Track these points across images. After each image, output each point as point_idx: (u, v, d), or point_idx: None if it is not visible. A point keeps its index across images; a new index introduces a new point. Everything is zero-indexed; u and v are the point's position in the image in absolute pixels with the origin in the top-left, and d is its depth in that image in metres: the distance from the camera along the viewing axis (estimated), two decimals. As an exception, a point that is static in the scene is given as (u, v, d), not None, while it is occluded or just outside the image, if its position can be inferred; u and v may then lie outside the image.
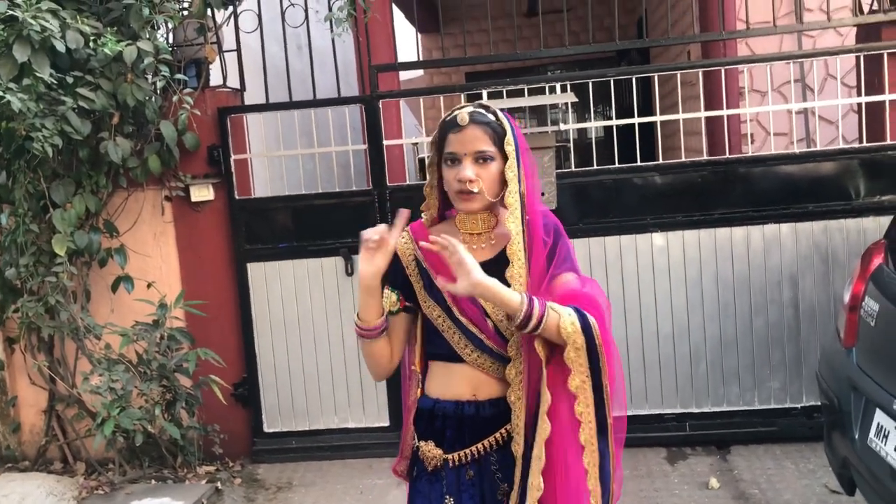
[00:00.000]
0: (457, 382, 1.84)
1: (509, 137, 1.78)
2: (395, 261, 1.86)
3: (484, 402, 1.82)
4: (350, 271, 4.19)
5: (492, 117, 1.80)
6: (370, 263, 1.77)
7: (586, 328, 1.68)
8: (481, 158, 1.76)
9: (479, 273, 1.67)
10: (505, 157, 1.78)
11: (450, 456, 1.83)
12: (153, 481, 4.02)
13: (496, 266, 1.78)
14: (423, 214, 1.95)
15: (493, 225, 1.85)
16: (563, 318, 1.67)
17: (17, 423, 4.36)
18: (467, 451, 1.82)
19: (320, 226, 4.20)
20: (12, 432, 4.35)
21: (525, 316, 1.66)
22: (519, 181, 1.79)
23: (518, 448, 1.75)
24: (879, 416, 2.52)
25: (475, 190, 1.75)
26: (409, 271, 1.88)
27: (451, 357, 1.83)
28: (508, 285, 1.74)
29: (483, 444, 1.81)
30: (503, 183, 1.79)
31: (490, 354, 1.80)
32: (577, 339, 1.68)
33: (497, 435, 1.81)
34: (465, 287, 1.68)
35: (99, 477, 4.10)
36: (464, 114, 1.78)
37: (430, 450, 1.85)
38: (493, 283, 1.68)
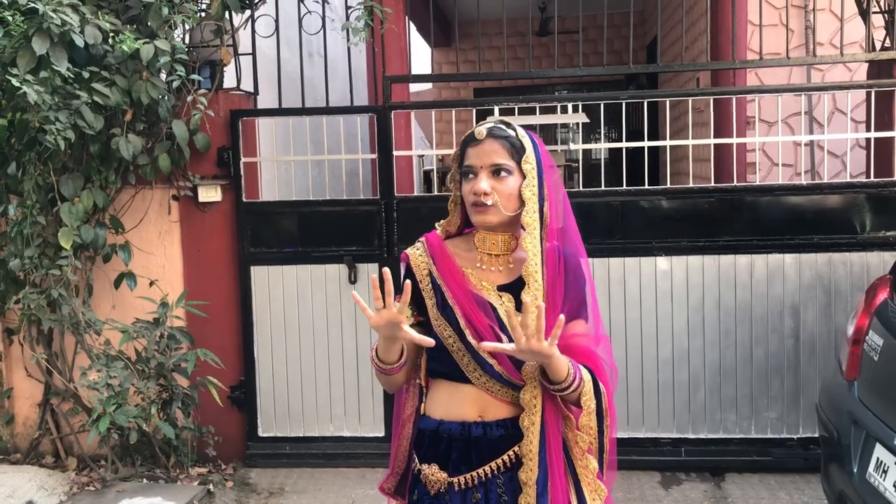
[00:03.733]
0: (462, 403, 1.78)
1: (528, 155, 1.75)
2: (409, 273, 1.83)
3: (491, 423, 1.76)
4: (353, 279, 4.19)
5: (511, 133, 1.76)
6: (388, 328, 1.67)
7: (597, 394, 1.75)
8: (497, 172, 1.73)
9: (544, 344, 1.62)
10: (524, 175, 1.75)
11: (455, 479, 1.76)
12: (145, 480, 4.00)
13: (513, 291, 1.76)
14: (437, 227, 1.91)
15: (512, 248, 1.81)
16: (586, 386, 1.72)
17: (10, 414, 4.35)
18: (474, 473, 1.75)
19: (326, 232, 4.20)
20: (5, 424, 4.33)
21: (566, 385, 1.68)
22: (541, 200, 1.76)
23: (531, 474, 1.71)
24: (879, 451, 2.53)
25: (489, 203, 1.72)
26: (423, 286, 1.81)
27: (456, 377, 1.78)
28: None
29: (490, 467, 1.75)
30: (521, 200, 1.75)
31: (499, 379, 1.75)
32: (591, 405, 1.74)
33: (505, 457, 1.75)
34: (528, 356, 1.65)
35: (91, 473, 4.08)
36: (482, 128, 1.76)
37: (434, 473, 1.78)
38: (554, 352, 1.64)
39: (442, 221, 1.91)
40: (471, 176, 1.75)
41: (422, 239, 1.87)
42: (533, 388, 1.72)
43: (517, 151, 1.74)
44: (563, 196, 1.85)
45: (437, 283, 1.79)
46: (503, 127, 1.78)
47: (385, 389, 1.94)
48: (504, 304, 1.75)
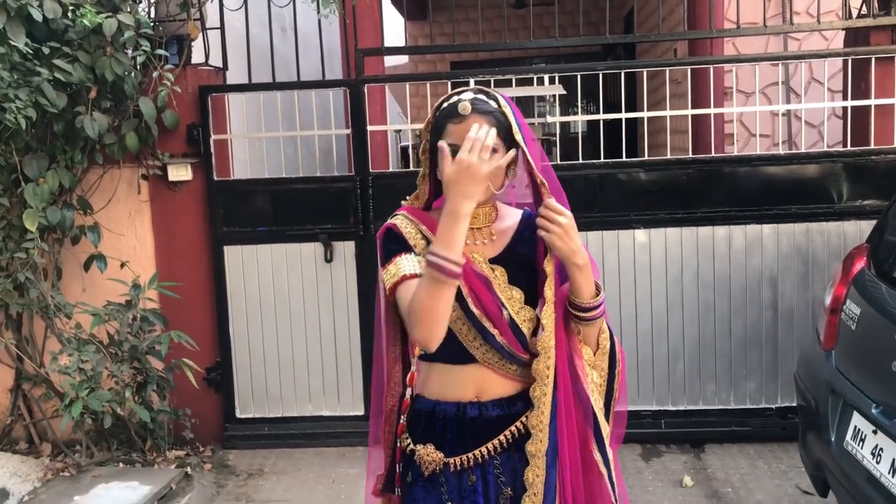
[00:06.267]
0: (458, 383, 1.74)
1: (514, 127, 1.68)
2: (395, 241, 1.72)
3: (487, 404, 1.73)
4: (329, 258, 4.13)
5: (493, 105, 1.69)
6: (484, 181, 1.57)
7: (611, 333, 1.82)
8: None
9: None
10: (507, 147, 1.67)
11: (451, 460, 1.73)
12: (121, 465, 3.94)
13: (503, 263, 1.73)
14: (405, 202, 1.82)
15: (493, 219, 1.77)
16: (604, 323, 1.79)
17: (-19, 401, 4.26)
18: (470, 455, 1.72)
19: (300, 210, 4.13)
20: (-24, 411, 4.24)
21: (597, 304, 1.71)
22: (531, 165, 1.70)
23: (541, 445, 1.68)
24: (857, 420, 2.53)
25: None
26: (418, 249, 1.72)
27: (452, 358, 1.72)
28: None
29: (487, 447, 1.72)
30: (505, 174, 1.70)
31: (499, 351, 1.71)
32: (606, 345, 1.81)
33: (501, 437, 1.72)
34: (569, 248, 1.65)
35: (65, 459, 4.01)
36: (466, 103, 1.66)
37: (430, 453, 1.74)
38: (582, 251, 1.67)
39: (409, 197, 1.83)
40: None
41: (400, 212, 1.79)
42: (546, 359, 1.68)
43: (501, 125, 1.66)
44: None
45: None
46: (485, 99, 1.69)
47: (437, 333, 1.60)
48: (497, 277, 1.72)
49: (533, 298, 1.74)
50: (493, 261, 1.74)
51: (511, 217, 1.81)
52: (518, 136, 1.67)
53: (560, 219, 1.63)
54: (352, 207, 4.09)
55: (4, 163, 3.82)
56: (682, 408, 4.11)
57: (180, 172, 4.12)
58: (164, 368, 4.02)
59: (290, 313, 4.18)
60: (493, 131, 1.59)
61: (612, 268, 4.06)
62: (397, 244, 1.71)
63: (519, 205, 1.84)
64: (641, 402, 4.12)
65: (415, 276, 1.65)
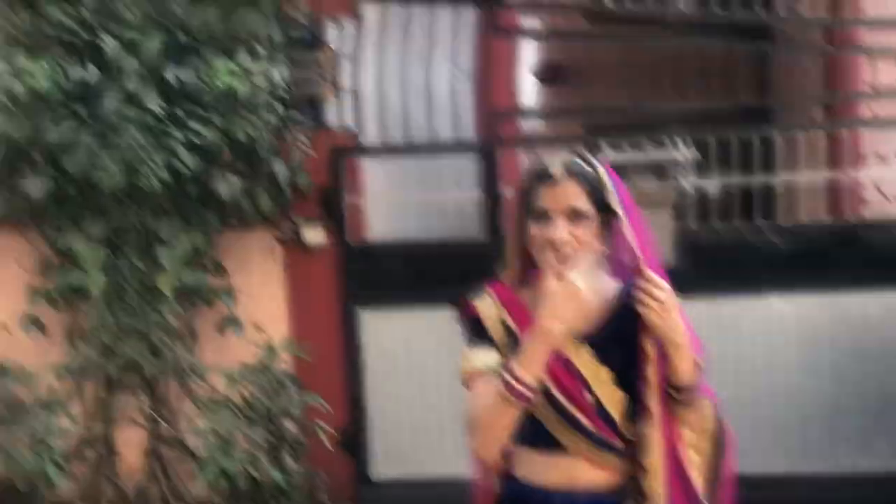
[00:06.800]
0: (547, 468, 1.64)
1: (612, 193, 1.61)
2: (475, 325, 1.70)
3: (580, 494, 1.62)
4: (464, 322, 4.12)
5: (590, 170, 1.62)
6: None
7: (717, 414, 1.68)
8: (575, 216, 1.58)
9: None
10: (601, 215, 1.60)
11: None
12: (255, 527, 3.97)
13: (593, 344, 1.63)
14: (502, 274, 1.78)
15: None
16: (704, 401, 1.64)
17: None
18: None
19: (435, 274, 4.11)
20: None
21: (700, 380, 1.59)
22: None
23: None
24: None
25: (570, 252, 1.56)
26: (497, 337, 1.66)
27: (542, 444, 1.63)
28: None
29: None
30: (596, 243, 1.62)
31: (589, 437, 1.60)
32: (709, 426, 1.67)
33: None
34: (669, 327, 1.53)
35: (199, 520, 4.04)
36: (559, 166, 1.61)
37: None
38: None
39: (503, 270, 1.77)
40: (544, 219, 1.60)
41: (487, 290, 1.75)
42: (658, 447, 1.59)
43: (596, 191, 1.60)
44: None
45: (514, 333, 1.64)
46: (580, 163, 1.63)
47: (496, 449, 1.60)
48: (581, 356, 1.63)
49: (624, 378, 1.64)
50: (583, 338, 1.63)
51: (608, 289, 1.69)
52: (616, 205, 1.61)
53: (657, 293, 1.53)
54: (489, 273, 4.06)
55: (140, 225, 3.83)
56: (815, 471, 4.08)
57: (314, 235, 4.13)
58: (298, 430, 4.03)
59: (426, 377, 4.18)
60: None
61: (745, 335, 4.01)
62: (476, 329, 1.69)
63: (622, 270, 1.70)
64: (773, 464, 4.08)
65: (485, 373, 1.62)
